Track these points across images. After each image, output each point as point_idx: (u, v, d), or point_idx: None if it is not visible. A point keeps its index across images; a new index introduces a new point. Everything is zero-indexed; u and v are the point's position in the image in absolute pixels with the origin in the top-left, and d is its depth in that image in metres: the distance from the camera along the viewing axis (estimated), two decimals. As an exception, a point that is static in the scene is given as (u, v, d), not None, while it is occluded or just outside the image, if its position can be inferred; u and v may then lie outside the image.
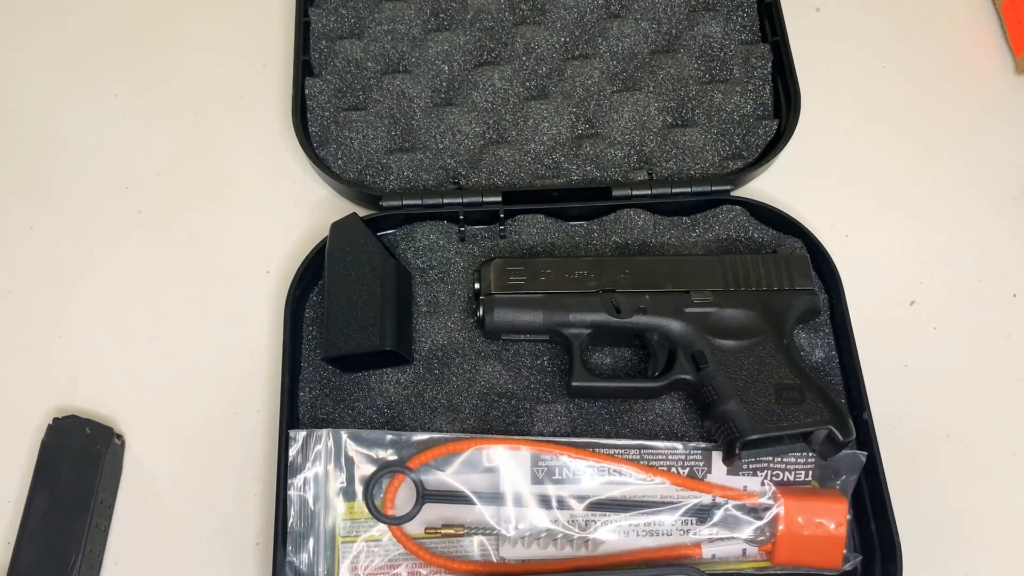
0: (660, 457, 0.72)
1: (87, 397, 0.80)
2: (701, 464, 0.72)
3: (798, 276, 0.75)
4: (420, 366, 0.78)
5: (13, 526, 0.72)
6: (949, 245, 0.85)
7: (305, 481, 0.71)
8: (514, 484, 0.71)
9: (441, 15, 0.90)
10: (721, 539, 0.71)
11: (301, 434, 0.72)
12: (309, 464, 0.72)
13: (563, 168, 0.85)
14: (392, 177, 0.84)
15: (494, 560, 0.70)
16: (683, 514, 0.71)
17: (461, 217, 0.82)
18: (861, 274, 0.82)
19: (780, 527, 0.68)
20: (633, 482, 0.71)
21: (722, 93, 0.86)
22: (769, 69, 0.87)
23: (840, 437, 0.68)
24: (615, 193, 0.82)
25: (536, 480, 0.71)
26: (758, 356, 0.71)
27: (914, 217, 0.86)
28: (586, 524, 0.71)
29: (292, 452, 0.72)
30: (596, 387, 0.74)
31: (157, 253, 0.85)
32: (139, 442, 0.78)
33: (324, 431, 0.72)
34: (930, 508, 0.75)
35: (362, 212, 0.82)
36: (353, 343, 0.73)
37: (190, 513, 0.76)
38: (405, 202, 0.81)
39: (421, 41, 0.89)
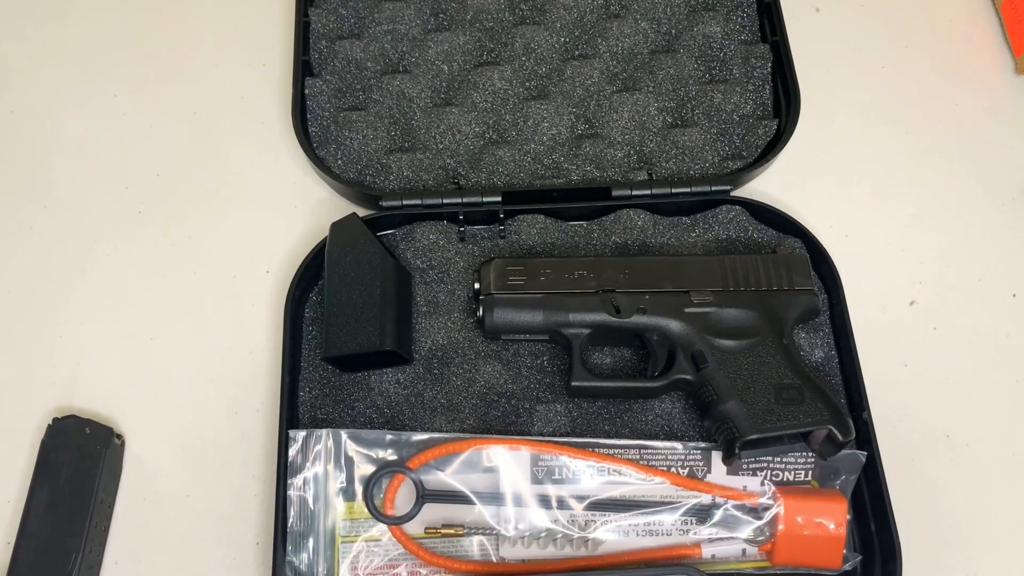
0: (660, 457, 0.72)
1: (87, 397, 0.80)
2: (701, 464, 0.72)
3: (798, 276, 0.75)
4: (420, 366, 0.78)
5: (13, 526, 0.72)
6: (949, 245, 0.85)
7: (305, 481, 0.71)
8: (514, 484, 0.71)
9: (441, 15, 0.90)
10: (721, 539, 0.71)
11: (301, 434, 0.72)
12: (309, 464, 0.72)
13: (563, 168, 0.85)
14: (392, 177, 0.85)
15: (494, 560, 0.70)
16: (683, 514, 0.71)
17: (461, 217, 0.82)
18: (861, 274, 0.82)
19: (780, 527, 0.68)
20: (633, 482, 0.71)
21: (722, 93, 0.86)
22: (769, 69, 0.87)
23: (840, 437, 0.68)
24: (615, 193, 0.82)
25: (536, 480, 0.71)
26: (758, 356, 0.71)
27: (914, 217, 0.86)
28: (586, 524, 0.71)
29: (292, 452, 0.72)
30: (596, 387, 0.74)
31: (157, 253, 0.85)
32: (139, 442, 0.78)
33: (324, 431, 0.72)
34: (930, 508, 0.75)
35: (362, 212, 0.82)
36: (353, 343, 0.73)
37: (190, 513, 0.76)
38: (405, 202, 0.81)
39: (421, 41, 0.89)
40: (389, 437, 0.72)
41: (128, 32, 0.95)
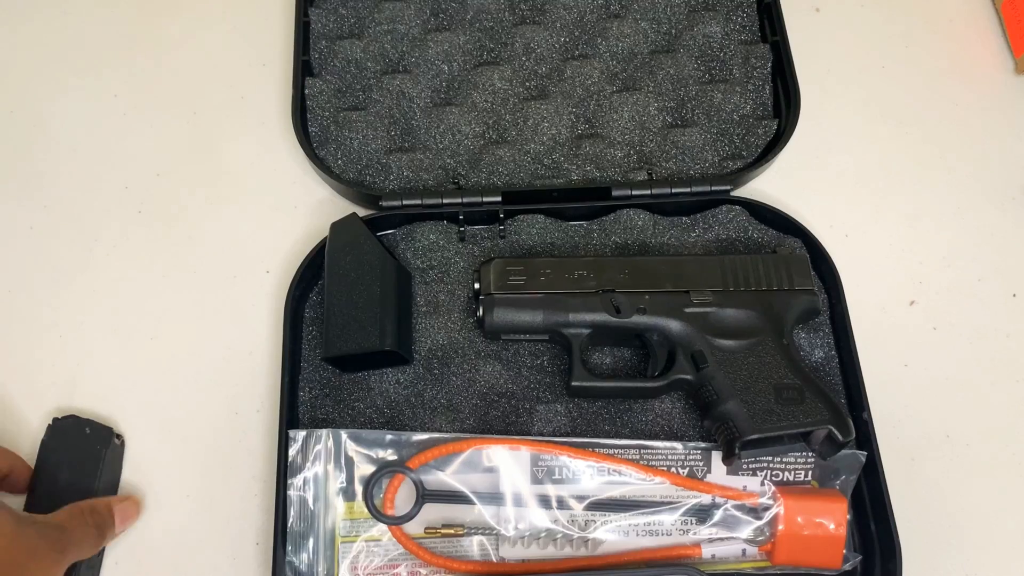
0: (660, 457, 0.72)
1: (87, 397, 0.80)
2: (701, 464, 0.72)
3: (797, 276, 0.75)
4: (420, 366, 0.78)
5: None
6: (949, 245, 0.85)
7: (305, 481, 0.71)
8: (514, 484, 0.71)
9: (441, 15, 0.90)
10: (721, 539, 0.71)
11: (301, 434, 0.72)
12: (309, 464, 0.72)
13: (563, 168, 0.85)
14: (392, 177, 0.85)
15: (494, 560, 0.70)
16: (683, 514, 0.71)
17: (461, 217, 0.82)
18: (861, 274, 0.82)
19: (780, 527, 0.68)
20: (633, 482, 0.71)
21: (722, 93, 0.86)
22: (769, 69, 0.87)
23: (840, 437, 0.68)
24: (615, 193, 0.82)
25: (536, 480, 0.71)
26: (758, 356, 0.71)
27: (914, 217, 0.86)
28: (586, 524, 0.71)
29: (292, 452, 0.72)
30: (596, 387, 0.74)
31: (157, 253, 0.85)
32: (139, 442, 0.78)
33: (324, 431, 0.72)
34: (930, 508, 0.75)
35: (362, 212, 0.82)
36: (353, 343, 0.73)
37: (190, 513, 0.76)
38: (405, 202, 0.81)
39: (421, 41, 0.89)
40: (389, 437, 0.72)
41: (128, 32, 0.95)
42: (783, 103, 0.85)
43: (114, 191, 0.88)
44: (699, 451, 0.73)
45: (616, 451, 0.72)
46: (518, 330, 0.75)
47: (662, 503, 0.71)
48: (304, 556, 0.70)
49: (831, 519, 0.68)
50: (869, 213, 0.86)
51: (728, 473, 0.72)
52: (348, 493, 0.72)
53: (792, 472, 0.72)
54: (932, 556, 0.73)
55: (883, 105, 0.91)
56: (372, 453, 0.72)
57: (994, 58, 0.93)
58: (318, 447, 0.72)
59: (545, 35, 0.89)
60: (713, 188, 0.82)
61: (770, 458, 0.72)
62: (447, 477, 0.71)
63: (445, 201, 0.81)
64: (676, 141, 0.85)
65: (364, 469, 0.71)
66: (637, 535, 0.71)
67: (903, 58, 0.93)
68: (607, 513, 0.71)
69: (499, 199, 0.81)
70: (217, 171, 0.89)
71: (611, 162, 0.85)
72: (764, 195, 0.85)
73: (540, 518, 0.70)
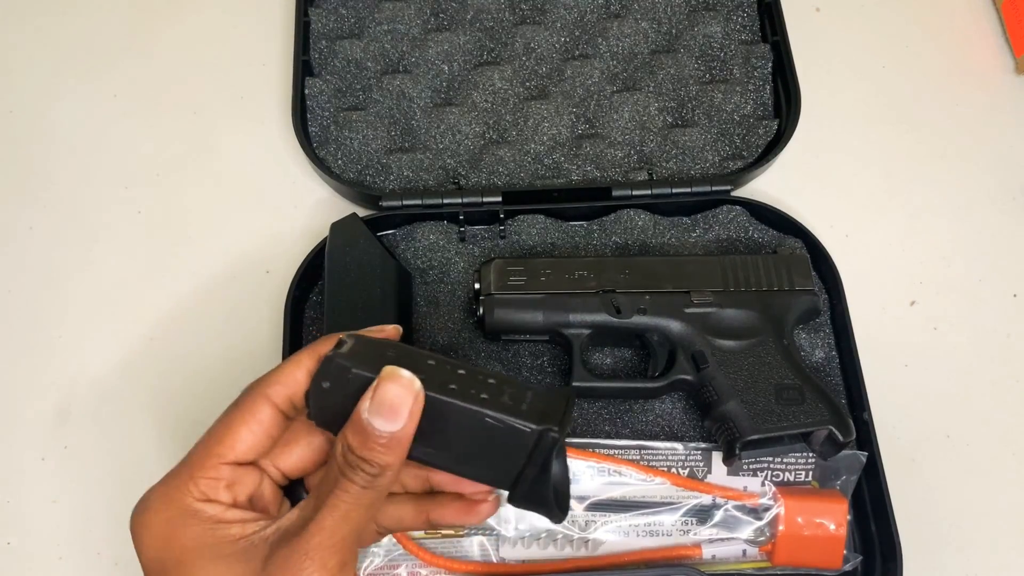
0: (660, 457, 0.72)
1: (87, 398, 0.80)
2: (701, 464, 0.72)
3: (798, 276, 0.75)
4: (420, 366, 0.78)
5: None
6: (949, 245, 0.85)
7: (305, 481, 0.71)
8: (514, 484, 0.71)
9: (441, 15, 0.90)
10: (721, 539, 0.71)
11: (301, 434, 0.72)
12: (309, 464, 0.72)
13: (563, 168, 0.85)
14: (392, 177, 0.84)
15: (494, 560, 0.70)
16: (683, 514, 0.71)
17: (461, 217, 0.82)
18: (861, 274, 0.82)
19: (780, 527, 0.68)
20: (633, 482, 0.71)
21: (722, 93, 0.86)
22: (769, 69, 0.87)
23: (840, 437, 0.68)
24: (615, 193, 0.82)
25: (536, 480, 0.71)
26: (758, 356, 0.71)
27: (914, 217, 0.86)
28: (586, 524, 0.71)
29: (292, 452, 0.72)
30: (596, 387, 0.74)
31: (157, 253, 0.85)
32: (140, 443, 0.78)
33: (324, 431, 0.72)
34: (930, 508, 0.75)
35: (362, 212, 0.81)
36: (353, 343, 0.73)
37: (190, 513, 0.76)
38: (405, 202, 0.81)
39: (421, 41, 0.89)
40: (389, 437, 0.72)
41: (128, 32, 0.95)
42: (783, 103, 0.85)
43: (114, 191, 0.88)
44: (699, 451, 0.73)
45: (616, 451, 0.72)
46: (518, 330, 0.75)
47: (662, 504, 0.71)
48: (304, 556, 0.70)
49: (831, 519, 0.68)
50: (869, 213, 0.86)
51: (728, 474, 0.72)
52: (348, 493, 0.71)
53: (792, 472, 0.72)
54: (932, 556, 0.73)
55: (883, 105, 0.91)
56: (372, 453, 0.72)
57: (994, 58, 0.93)
58: (318, 447, 0.72)
59: (545, 35, 0.89)
60: (713, 188, 0.82)
61: (770, 458, 0.72)
62: (447, 477, 0.71)
63: (445, 201, 0.81)
64: (676, 141, 0.85)
65: (364, 469, 0.71)
66: (637, 535, 0.71)
67: (903, 58, 0.93)
68: (607, 513, 0.71)
69: (499, 199, 0.81)
70: (217, 171, 0.89)
71: (611, 162, 0.85)
72: (764, 195, 0.85)
73: (540, 518, 0.70)
